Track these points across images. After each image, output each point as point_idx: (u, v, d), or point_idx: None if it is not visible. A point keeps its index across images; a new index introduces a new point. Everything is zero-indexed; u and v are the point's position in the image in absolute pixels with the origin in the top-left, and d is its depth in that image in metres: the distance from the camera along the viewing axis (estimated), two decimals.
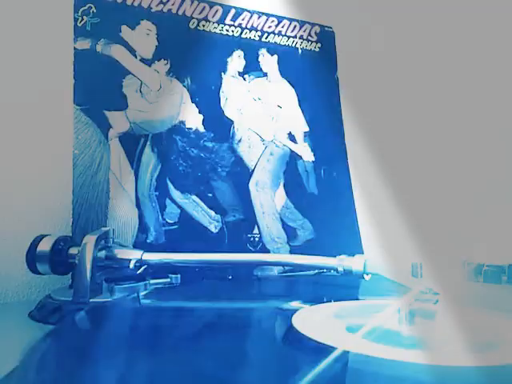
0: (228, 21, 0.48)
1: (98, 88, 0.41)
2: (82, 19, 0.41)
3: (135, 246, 0.38)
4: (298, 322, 0.24)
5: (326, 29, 0.53)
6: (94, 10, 0.42)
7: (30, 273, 0.32)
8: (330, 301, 0.29)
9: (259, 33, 0.49)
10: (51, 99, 0.41)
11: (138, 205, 0.40)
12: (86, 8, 0.41)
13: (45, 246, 0.32)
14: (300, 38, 0.51)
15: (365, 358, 0.19)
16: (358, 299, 0.32)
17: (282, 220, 0.46)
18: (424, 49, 0.61)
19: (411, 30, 0.60)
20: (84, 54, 0.41)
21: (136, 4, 0.44)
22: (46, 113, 0.41)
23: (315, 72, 0.52)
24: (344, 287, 0.36)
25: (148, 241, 0.40)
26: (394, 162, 0.56)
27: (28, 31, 0.41)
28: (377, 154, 0.56)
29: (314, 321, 0.25)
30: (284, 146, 0.48)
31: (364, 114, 0.55)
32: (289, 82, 0.50)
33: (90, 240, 0.30)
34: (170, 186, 0.42)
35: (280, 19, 0.50)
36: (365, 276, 0.32)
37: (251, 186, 0.45)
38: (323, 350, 0.20)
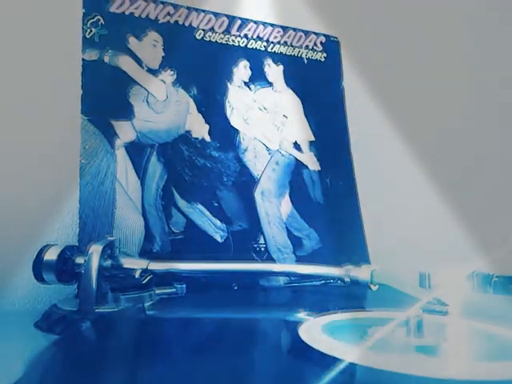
0: (234, 31, 0.48)
1: (105, 98, 0.41)
2: (91, 31, 0.42)
3: (141, 256, 0.38)
4: (304, 332, 0.24)
5: (331, 38, 0.53)
6: (103, 22, 0.42)
7: (36, 282, 0.32)
8: (337, 311, 0.29)
9: (265, 43, 0.49)
10: (59, 109, 0.42)
11: (144, 214, 0.40)
12: (94, 20, 0.42)
13: (51, 256, 0.32)
14: (305, 48, 0.52)
15: (371, 370, 0.19)
16: (364, 310, 0.32)
17: (287, 229, 0.46)
18: (429, 56, 0.61)
19: (416, 38, 0.61)
20: (92, 65, 0.41)
21: (143, 16, 0.44)
22: (53, 123, 0.42)
23: (321, 81, 0.52)
24: (350, 297, 0.35)
25: (154, 250, 0.40)
26: (400, 170, 0.56)
27: (37, 43, 0.42)
28: (382, 162, 0.56)
29: (320, 331, 0.24)
30: (289, 155, 0.48)
31: (369, 121, 0.55)
32: (294, 91, 0.50)
33: (95, 249, 0.30)
34: (176, 195, 0.42)
35: (285, 29, 0.51)
36: (371, 286, 0.31)
37: (257, 195, 0.45)
38: (329, 361, 0.19)
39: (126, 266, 0.32)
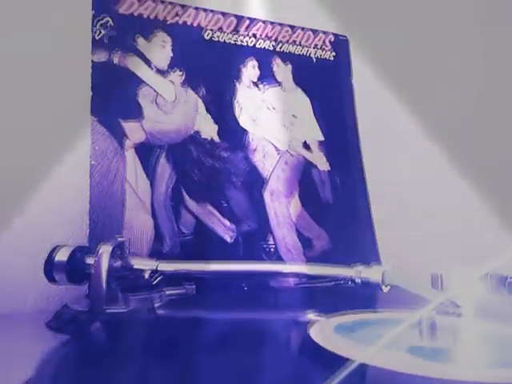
0: (242, 31, 0.48)
1: (114, 99, 0.41)
2: (100, 32, 0.42)
3: (150, 256, 0.38)
4: (315, 333, 0.24)
5: (341, 37, 0.53)
6: (112, 23, 0.43)
7: (47, 282, 0.32)
8: (347, 312, 0.29)
9: (273, 42, 0.49)
10: (69, 111, 0.42)
11: (153, 214, 0.40)
12: (103, 21, 0.42)
13: (62, 256, 0.32)
14: (314, 47, 0.51)
15: (383, 371, 0.19)
16: (375, 311, 0.32)
17: (297, 230, 0.45)
18: (440, 53, 0.60)
19: (425, 37, 0.60)
20: (101, 66, 0.41)
21: (152, 17, 0.44)
22: (63, 124, 0.42)
23: (330, 80, 0.52)
24: (361, 298, 0.35)
25: (163, 250, 0.40)
26: (412, 168, 0.56)
27: (47, 45, 0.42)
28: (394, 159, 0.55)
29: (331, 332, 0.24)
30: (299, 155, 0.48)
31: (379, 119, 0.55)
32: (303, 90, 0.50)
33: (105, 250, 0.31)
34: (185, 195, 0.42)
35: (294, 28, 0.51)
36: (383, 287, 0.31)
37: (266, 195, 0.45)
38: (340, 361, 0.19)
39: (135, 266, 0.33)
